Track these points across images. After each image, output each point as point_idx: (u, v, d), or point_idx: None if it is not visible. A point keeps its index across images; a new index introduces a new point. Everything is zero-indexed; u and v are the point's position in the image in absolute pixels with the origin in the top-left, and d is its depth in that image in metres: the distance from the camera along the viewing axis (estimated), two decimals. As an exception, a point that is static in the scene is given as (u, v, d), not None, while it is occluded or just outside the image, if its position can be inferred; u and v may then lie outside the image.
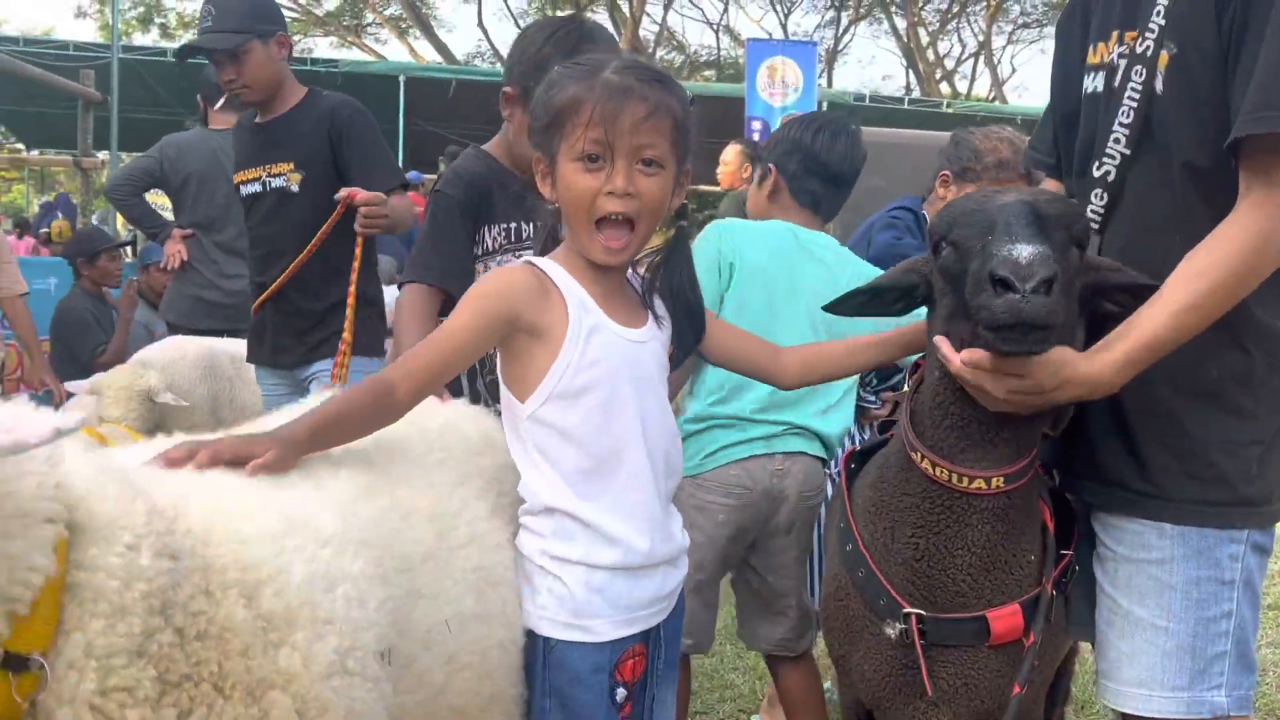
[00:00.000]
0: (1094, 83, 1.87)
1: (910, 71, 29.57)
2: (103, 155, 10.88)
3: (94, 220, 9.93)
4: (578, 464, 1.69)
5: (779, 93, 11.33)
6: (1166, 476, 1.74)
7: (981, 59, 29.90)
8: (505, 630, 1.65)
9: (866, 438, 3.15)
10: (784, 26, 28.60)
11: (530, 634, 1.70)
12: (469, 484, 1.72)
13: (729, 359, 1.97)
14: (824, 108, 13.16)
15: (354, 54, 26.17)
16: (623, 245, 1.68)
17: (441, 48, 27.00)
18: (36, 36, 17.89)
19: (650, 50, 26.57)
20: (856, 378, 2.79)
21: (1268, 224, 1.59)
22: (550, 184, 1.72)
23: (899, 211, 3.54)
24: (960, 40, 30.32)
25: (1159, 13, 1.71)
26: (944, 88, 28.81)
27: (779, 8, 28.82)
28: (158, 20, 27.55)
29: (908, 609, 1.84)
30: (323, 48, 27.34)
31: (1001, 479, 1.75)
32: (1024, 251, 1.52)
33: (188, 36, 20.63)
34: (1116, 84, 1.79)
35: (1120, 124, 1.77)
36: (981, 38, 29.28)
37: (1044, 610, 1.82)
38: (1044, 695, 2.05)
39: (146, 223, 5.21)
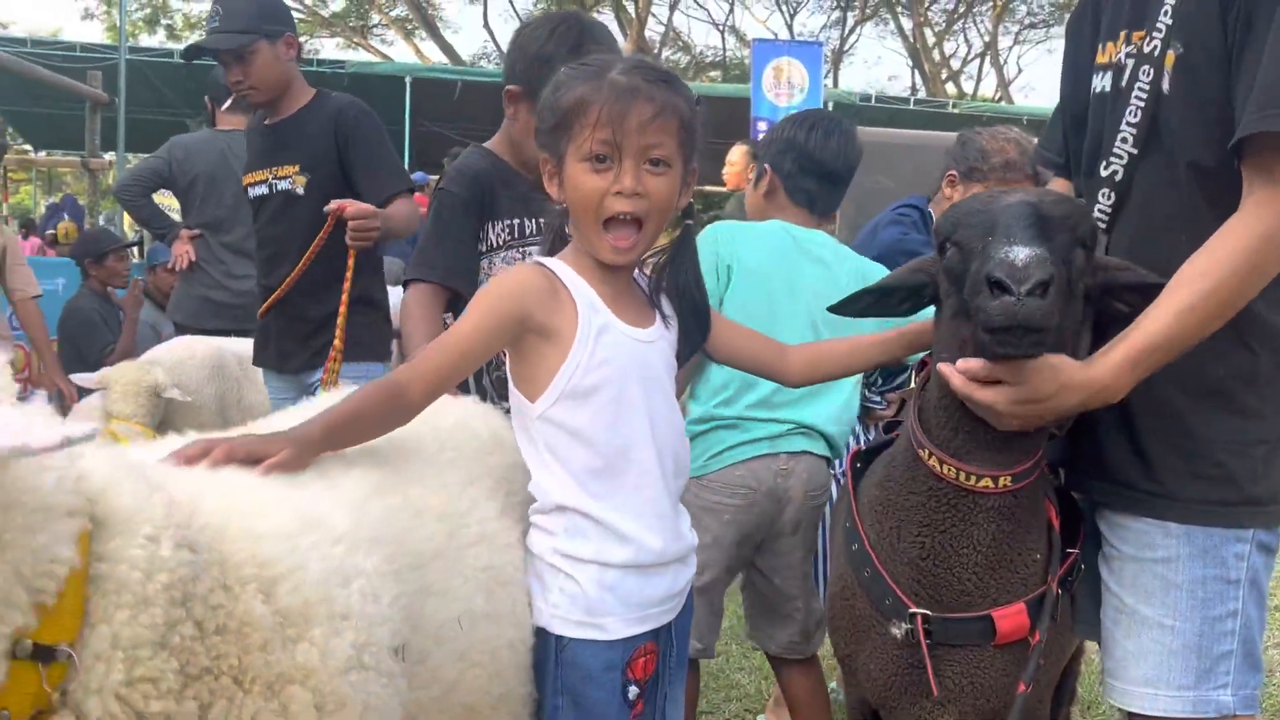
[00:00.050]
0: (1102, 82, 1.87)
1: (916, 72, 29.52)
2: (110, 156, 10.91)
3: (101, 221, 9.97)
4: (588, 463, 1.69)
5: (784, 93, 11.33)
6: (1172, 475, 1.74)
7: (987, 59, 29.87)
8: (515, 630, 1.66)
9: (872, 438, 3.15)
10: (790, 27, 28.62)
11: (542, 633, 1.71)
12: (479, 483, 1.73)
13: (735, 357, 1.98)
14: (830, 108, 13.17)
15: (360, 55, 26.18)
16: (631, 245, 1.69)
17: (447, 49, 27.03)
18: (44, 38, 17.91)
19: (656, 51, 26.57)
20: (860, 377, 2.79)
21: (1271, 223, 1.59)
22: (558, 184, 1.72)
23: (904, 209, 3.55)
24: (966, 40, 30.30)
25: (1166, 12, 1.71)
26: (950, 88, 28.76)
27: (785, 8, 28.83)
28: (164, 21, 27.61)
29: (913, 609, 1.84)
30: (329, 49, 27.41)
31: (1009, 478, 1.76)
32: (1020, 254, 1.53)
33: (194, 38, 20.67)
34: (1124, 84, 1.79)
35: (1128, 124, 1.77)
36: (987, 38, 29.24)
37: (1049, 609, 1.83)
38: (1050, 694, 2.05)
39: (155, 223, 5.24)
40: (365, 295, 3.29)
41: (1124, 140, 1.78)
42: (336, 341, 3.03)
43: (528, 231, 2.52)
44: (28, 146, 18.15)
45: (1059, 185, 2.11)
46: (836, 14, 28.69)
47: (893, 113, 14.66)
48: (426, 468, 1.67)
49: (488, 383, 2.45)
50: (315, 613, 1.26)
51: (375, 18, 28.54)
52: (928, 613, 1.84)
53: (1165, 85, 1.72)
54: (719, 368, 2.47)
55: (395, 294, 3.55)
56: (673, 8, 28.17)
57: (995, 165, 3.26)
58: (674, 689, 1.85)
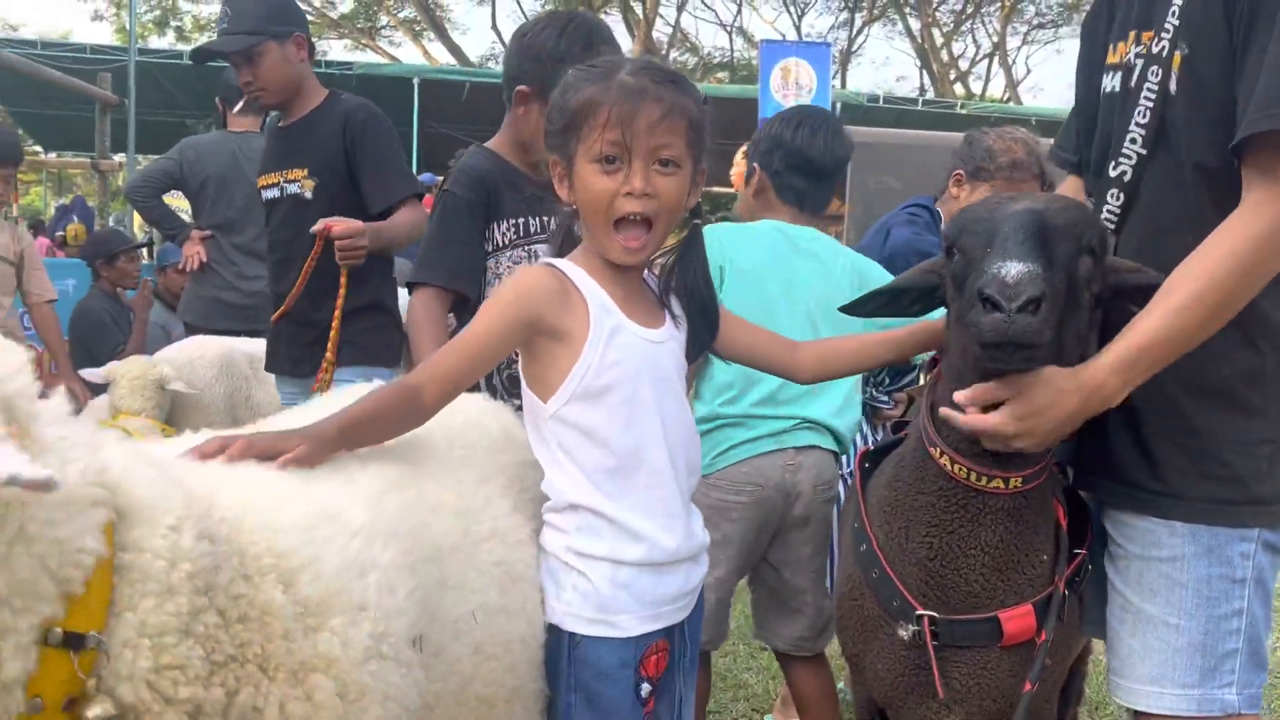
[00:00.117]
0: (1112, 82, 1.87)
1: (924, 72, 29.50)
2: (119, 158, 10.94)
3: (111, 222, 9.99)
4: (601, 462, 1.70)
5: (792, 94, 11.32)
6: (1178, 475, 1.74)
7: (996, 60, 29.82)
8: (527, 625, 1.68)
9: (880, 438, 3.15)
10: (798, 28, 28.60)
11: (555, 630, 1.72)
12: (492, 481, 1.75)
13: (745, 354, 1.98)
14: (838, 109, 13.18)
15: (368, 56, 26.28)
16: (641, 245, 1.69)
17: (455, 50, 27.07)
18: (54, 40, 17.99)
19: (664, 52, 26.58)
20: (859, 376, 2.79)
21: (1268, 224, 1.58)
22: (567, 186, 1.73)
23: (916, 209, 3.55)
24: (975, 41, 30.27)
25: (1174, 13, 1.71)
26: (958, 89, 28.74)
27: (792, 9, 28.82)
28: (174, 23, 27.72)
29: (920, 611, 1.85)
30: (337, 50, 27.49)
31: (1019, 479, 1.76)
32: (1012, 270, 1.54)
33: (204, 39, 20.74)
34: (1133, 84, 1.79)
35: (1136, 124, 1.78)
36: (996, 38, 29.20)
37: (1056, 609, 1.83)
38: (1057, 694, 2.05)
39: (165, 224, 5.26)
40: (375, 301, 3.28)
41: (1133, 141, 1.79)
42: (329, 354, 3.04)
43: (533, 230, 2.53)
44: (38, 148, 18.21)
45: (1072, 184, 2.12)
46: (844, 15, 28.69)
47: (901, 113, 14.66)
48: (440, 464, 1.68)
49: (498, 381, 2.46)
50: (334, 603, 1.28)
51: (383, 19, 28.61)
52: (934, 615, 1.84)
53: (1172, 86, 1.73)
54: (723, 367, 2.48)
55: (404, 295, 3.57)
56: (680, 9, 28.21)
57: (1002, 165, 3.27)
58: (687, 688, 1.86)
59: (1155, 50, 1.74)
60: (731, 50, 30.36)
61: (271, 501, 1.33)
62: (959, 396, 1.69)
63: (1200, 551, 1.74)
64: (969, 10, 28.15)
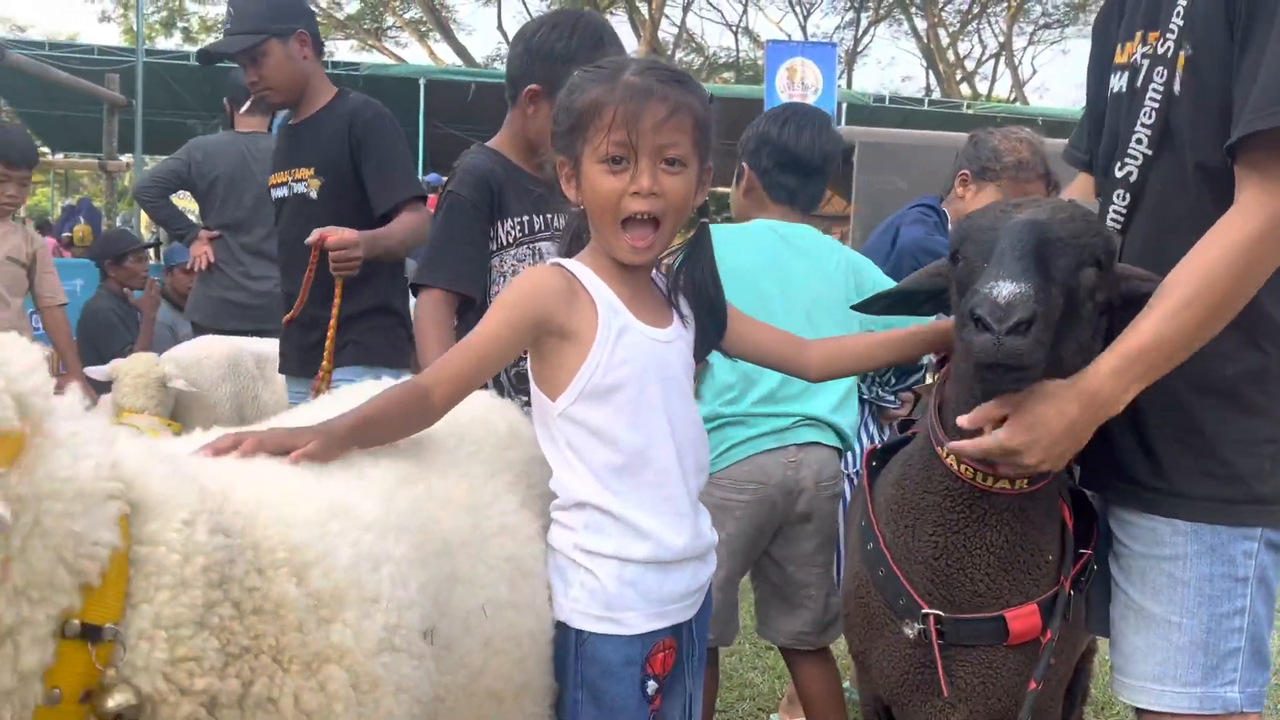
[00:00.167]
0: (1119, 82, 1.87)
1: (930, 72, 29.46)
2: (127, 158, 10.98)
3: (118, 223, 10.03)
4: (608, 461, 1.71)
5: (798, 94, 11.31)
6: (1181, 474, 1.75)
7: (1002, 60, 29.77)
8: (536, 620, 1.69)
9: (886, 437, 3.16)
10: (803, 28, 28.57)
11: (563, 627, 1.73)
12: (500, 477, 1.76)
13: (753, 352, 1.99)
14: (844, 109, 13.17)
15: (374, 57, 26.32)
16: (649, 244, 1.70)
17: (461, 50, 27.09)
18: (61, 41, 18.07)
19: (669, 52, 26.58)
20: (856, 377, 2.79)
21: (1261, 224, 1.58)
22: (575, 187, 1.74)
23: (924, 210, 3.55)
24: (981, 41, 30.20)
25: (1178, 13, 1.71)
26: (964, 89, 28.69)
27: (798, 9, 28.81)
28: (181, 24, 27.78)
29: (926, 609, 1.85)
30: (343, 51, 27.56)
31: (1025, 480, 1.77)
32: (1004, 291, 1.54)
33: (210, 40, 20.77)
34: (1139, 84, 1.79)
35: (1142, 125, 1.78)
36: (1002, 38, 29.15)
37: (1061, 609, 1.83)
38: (1061, 692, 2.05)
39: (173, 224, 5.28)
40: (383, 303, 3.28)
41: (1139, 141, 1.79)
42: (325, 362, 3.03)
43: (537, 228, 2.54)
44: (45, 149, 18.27)
45: (1083, 183, 2.12)
46: (850, 15, 28.66)
47: (907, 113, 14.65)
48: (449, 460, 1.70)
49: (506, 378, 2.47)
50: (347, 595, 1.29)
51: (389, 20, 28.64)
52: (940, 614, 1.84)
53: (1176, 87, 1.73)
54: (724, 369, 2.49)
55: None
56: (686, 9, 28.19)
57: (1008, 165, 3.27)
58: (696, 686, 1.87)
59: (1161, 51, 1.75)
60: (737, 50, 30.37)
61: (285, 496, 1.35)
62: (963, 421, 1.70)
63: (1202, 550, 1.74)
64: (975, 10, 28.11)
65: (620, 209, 1.68)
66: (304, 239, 3.21)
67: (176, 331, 5.72)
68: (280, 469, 1.43)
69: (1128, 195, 1.82)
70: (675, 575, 1.76)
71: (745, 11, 30.30)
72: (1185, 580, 1.75)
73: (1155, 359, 1.63)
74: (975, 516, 1.81)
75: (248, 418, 4.33)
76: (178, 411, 4.37)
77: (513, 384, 2.46)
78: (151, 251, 7.55)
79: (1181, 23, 1.71)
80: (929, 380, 3.08)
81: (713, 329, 1.87)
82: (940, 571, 1.85)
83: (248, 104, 4.90)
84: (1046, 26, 29.23)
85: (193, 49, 18.06)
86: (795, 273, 2.64)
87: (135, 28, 11.97)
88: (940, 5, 27.70)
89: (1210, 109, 1.68)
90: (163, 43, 25.60)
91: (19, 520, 1.02)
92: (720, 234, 2.69)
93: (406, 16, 28.37)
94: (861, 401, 3.20)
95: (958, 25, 28.88)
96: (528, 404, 1.83)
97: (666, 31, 27.76)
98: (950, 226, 3.41)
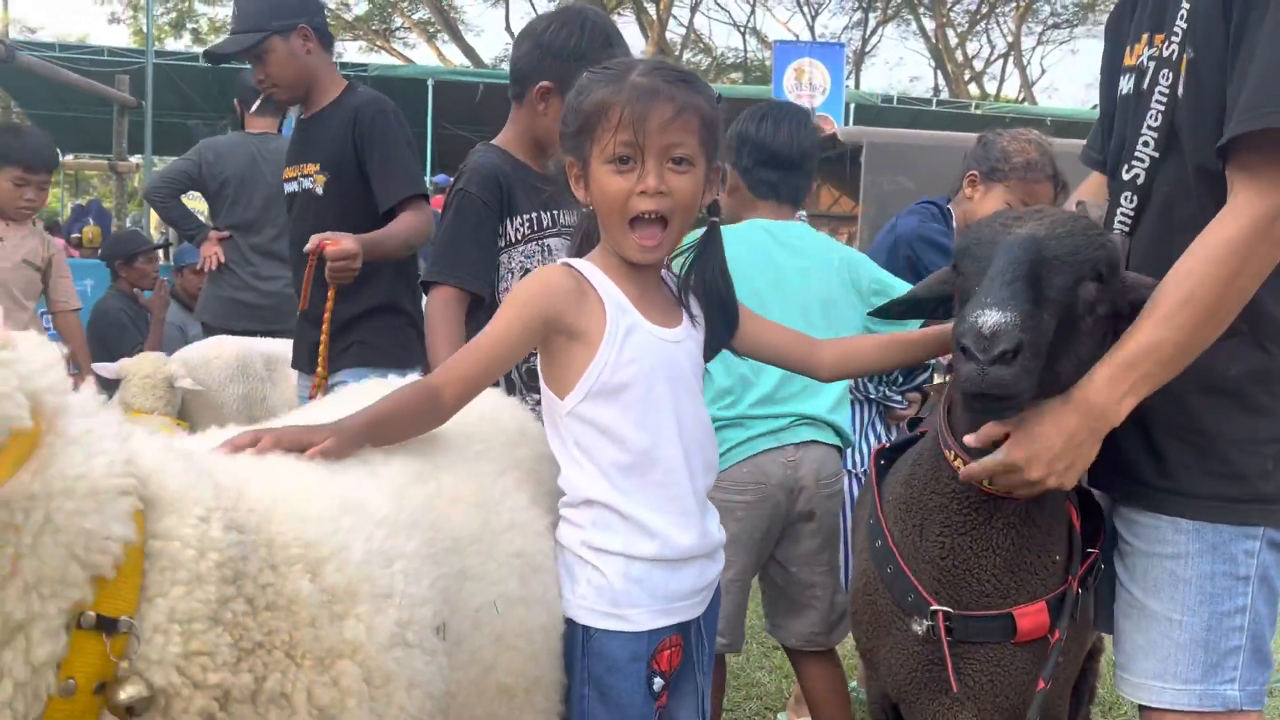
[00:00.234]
0: (1128, 84, 1.87)
1: (939, 73, 29.41)
2: (136, 159, 11.02)
3: (128, 224, 10.05)
4: (616, 459, 1.72)
5: (806, 94, 11.32)
6: (1184, 472, 1.75)
7: (1010, 60, 29.73)
8: (547, 615, 1.70)
9: (893, 437, 3.16)
10: (811, 28, 28.56)
11: (570, 623, 1.74)
12: (509, 474, 1.77)
13: (765, 351, 1.99)
14: (851, 109, 13.17)
15: (383, 58, 26.38)
16: (656, 243, 1.71)
17: (469, 51, 27.15)
18: (71, 42, 18.15)
19: (677, 53, 26.59)
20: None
21: (1248, 226, 1.57)
22: (584, 187, 1.75)
23: (924, 205, 3.56)
24: (989, 41, 30.18)
25: (1182, 15, 1.72)
26: (973, 89, 28.66)
27: (806, 9, 28.79)
28: (190, 25, 27.87)
29: (935, 606, 1.86)
30: (351, 52, 27.63)
31: None
32: (989, 320, 1.54)
33: (220, 40, 20.82)
34: (1145, 87, 1.79)
35: (1149, 127, 1.78)
36: (1011, 39, 29.11)
37: (1069, 608, 1.84)
38: (1068, 691, 2.06)
39: (184, 225, 5.30)
40: (389, 302, 3.26)
41: (1145, 144, 1.79)
42: (320, 368, 3.02)
43: (545, 225, 2.55)
44: (56, 150, 18.34)
45: (1094, 183, 2.12)
46: (858, 15, 28.64)
47: (915, 114, 14.65)
48: (459, 458, 1.71)
49: (517, 376, 2.48)
50: (360, 591, 1.30)
51: (398, 21, 28.71)
52: (949, 610, 1.85)
53: (1180, 89, 1.73)
54: (722, 373, 2.50)
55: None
56: (694, 9, 28.22)
57: (1016, 166, 3.27)
58: (703, 683, 1.88)
59: (1166, 53, 1.75)
60: (745, 51, 30.42)
61: (298, 493, 1.36)
62: (969, 440, 1.72)
63: (1204, 548, 1.74)
64: (984, 10, 28.07)
65: (628, 209, 1.68)
66: (308, 236, 3.17)
67: (186, 332, 5.74)
68: (294, 466, 1.44)
69: (1135, 198, 1.82)
70: (682, 573, 1.77)
71: (753, 12, 30.29)
72: (1187, 578, 1.75)
73: (1151, 365, 1.63)
74: (982, 518, 1.81)
75: (256, 418, 4.32)
76: (186, 412, 4.39)
77: (524, 380, 2.47)
78: (161, 252, 7.58)
79: (1185, 25, 1.71)
80: (937, 380, 3.09)
81: (724, 327, 1.88)
82: (947, 571, 1.85)
83: (256, 104, 4.92)
84: (1055, 26, 29.21)
85: (202, 50, 18.11)
86: (788, 270, 2.64)
87: (145, 29, 12.01)
88: (949, 5, 27.67)
89: (1209, 112, 1.68)
90: (172, 44, 25.70)
91: (30, 518, 1.03)
92: None
93: (415, 18, 28.44)
94: (869, 401, 3.21)
95: (966, 25, 28.85)
96: (539, 402, 1.84)
97: (674, 32, 27.81)
98: (955, 226, 3.42)
